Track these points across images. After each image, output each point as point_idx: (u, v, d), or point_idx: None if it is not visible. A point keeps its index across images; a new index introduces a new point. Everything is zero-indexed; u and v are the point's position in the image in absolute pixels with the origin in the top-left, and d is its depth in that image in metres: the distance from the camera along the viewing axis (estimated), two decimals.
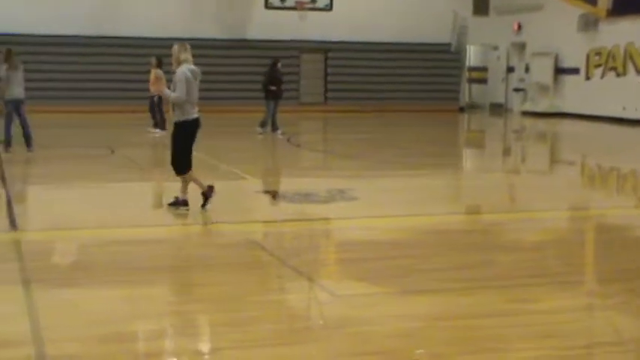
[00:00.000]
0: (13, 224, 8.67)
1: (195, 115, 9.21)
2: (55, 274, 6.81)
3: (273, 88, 19.11)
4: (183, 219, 9.13)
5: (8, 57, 14.79)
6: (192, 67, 9.15)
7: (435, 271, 6.92)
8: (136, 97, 23.19)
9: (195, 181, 9.33)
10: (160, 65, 18.73)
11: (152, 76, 18.61)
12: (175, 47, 9.21)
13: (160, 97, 18.11)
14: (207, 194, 9.29)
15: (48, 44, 25.77)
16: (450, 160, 16.75)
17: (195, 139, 9.32)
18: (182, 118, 9.10)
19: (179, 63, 9.11)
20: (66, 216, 9.22)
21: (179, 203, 9.27)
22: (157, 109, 18.91)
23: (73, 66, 26.26)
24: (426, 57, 30.10)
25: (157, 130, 18.59)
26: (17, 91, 14.64)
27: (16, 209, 9.51)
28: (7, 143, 14.61)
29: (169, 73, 19.45)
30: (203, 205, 9.27)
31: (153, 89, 17.83)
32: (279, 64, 19.63)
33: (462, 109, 30.48)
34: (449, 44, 30.70)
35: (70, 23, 26.05)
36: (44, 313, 5.47)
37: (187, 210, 9.22)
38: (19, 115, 14.74)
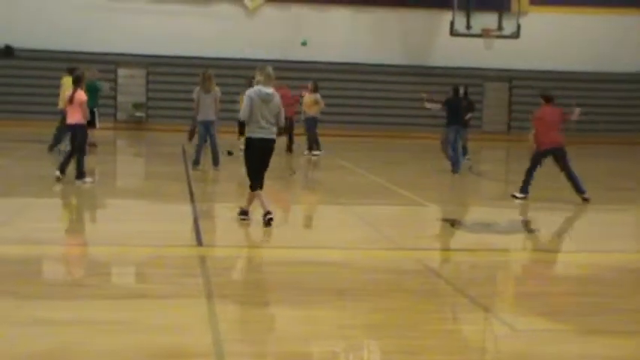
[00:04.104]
0: (199, 240, 9.03)
1: (259, 135, 9.51)
2: (237, 290, 7.00)
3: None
4: (361, 243, 9.14)
5: (203, 80, 15.54)
6: (262, 89, 9.46)
7: (627, 312, 6.49)
8: (327, 121, 23.73)
9: (250, 201, 9.72)
10: (316, 89, 19.78)
11: (312, 99, 19.49)
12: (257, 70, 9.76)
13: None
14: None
15: (246, 68, 26.85)
16: None
17: (260, 158, 9.60)
18: (248, 135, 9.62)
19: (257, 84, 9.62)
20: (248, 234, 9.49)
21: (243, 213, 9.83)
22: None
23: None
24: (620, 87, 28.79)
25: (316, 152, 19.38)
26: (207, 112, 15.34)
27: (202, 226, 9.90)
28: (196, 162, 15.32)
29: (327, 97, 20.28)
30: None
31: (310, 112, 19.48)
32: None
33: None
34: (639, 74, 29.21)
35: (261, 48, 27.06)
36: (225, 328, 5.62)
37: (245, 220, 9.67)
38: (210, 135, 15.41)
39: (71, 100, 12.76)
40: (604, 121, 28.39)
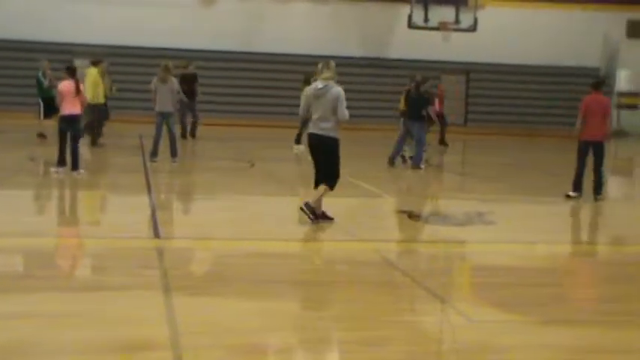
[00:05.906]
0: (156, 232, 8.95)
1: (310, 130, 9.55)
2: (194, 282, 6.95)
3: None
4: (319, 234, 9.15)
5: (160, 71, 15.43)
6: (317, 83, 9.35)
7: (580, 302, 6.60)
8: (284, 113, 24.07)
9: (317, 198, 9.53)
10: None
11: None
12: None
13: None
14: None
15: (205, 59, 26.78)
16: None
17: (314, 155, 9.50)
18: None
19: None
20: (206, 226, 9.44)
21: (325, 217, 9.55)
22: None
23: (224, 80, 27.24)
24: (573, 81, 29.18)
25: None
26: (164, 103, 15.21)
27: (160, 217, 9.81)
28: (154, 154, 15.16)
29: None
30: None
31: None
32: None
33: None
34: (597, 68, 29.64)
35: (225, 39, 27.06)
36: (182, 320, 5.58)
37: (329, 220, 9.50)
38: (167, 126, 15.26)
39: (77, 91, 12.87)
40: (556, 114, 28.76)
